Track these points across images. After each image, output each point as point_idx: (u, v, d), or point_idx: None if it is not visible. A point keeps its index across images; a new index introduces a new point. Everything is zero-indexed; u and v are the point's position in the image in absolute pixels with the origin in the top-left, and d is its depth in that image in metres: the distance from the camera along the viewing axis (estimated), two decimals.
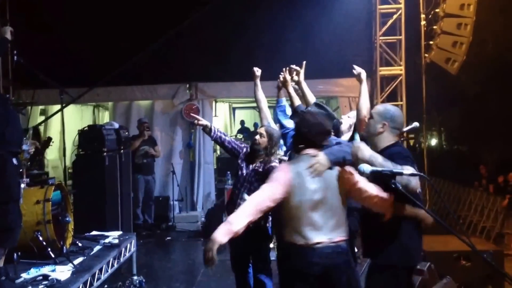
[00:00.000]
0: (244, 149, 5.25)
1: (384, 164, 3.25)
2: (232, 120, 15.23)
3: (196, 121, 5.47)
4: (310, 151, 3.55)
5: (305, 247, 3.44)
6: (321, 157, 3.48)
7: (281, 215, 3.54)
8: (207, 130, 5.38)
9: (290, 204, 3.46)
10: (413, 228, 3.58)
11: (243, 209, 3.41)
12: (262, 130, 5.07)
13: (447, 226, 3.07)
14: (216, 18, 9.64)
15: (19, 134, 4.55)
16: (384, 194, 3.42)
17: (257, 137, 5.05)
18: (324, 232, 3.45)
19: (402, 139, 6.34)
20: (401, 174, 3.17)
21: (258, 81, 5.39)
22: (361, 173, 3.10)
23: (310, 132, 3.55)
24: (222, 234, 3.27)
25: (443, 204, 11.50)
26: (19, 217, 4.37)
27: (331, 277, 3.47)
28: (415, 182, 3.27)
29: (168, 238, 9.63)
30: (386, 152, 3.51)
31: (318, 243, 3.43)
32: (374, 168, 3.13)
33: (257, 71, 5.40)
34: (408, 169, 3.21)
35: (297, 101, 4.76)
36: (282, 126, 4.92)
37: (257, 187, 4.89)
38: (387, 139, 3.66)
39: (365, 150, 3.36)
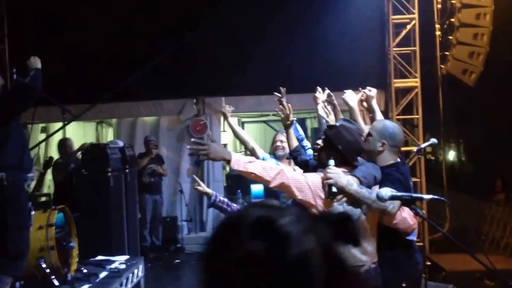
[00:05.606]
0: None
1: (359, 191, 3.23)
2: None
3: (196, 185, 4.44)
4: (341, 168, 3.32)
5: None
6: (348, 176, 3.28)
7: None
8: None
9: None
10: (403, 247, 3.66)
11: (273, 167, 3.30)
12: None
13: (463, 246, 3.10)
14: (223, 31, 9.41)
15: (31, 161, 4.53)
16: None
17: None
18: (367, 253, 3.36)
19: (420, 155, 6.01)
20: (421, 199, 3.18)
21: (230, 120, 4.99)
22: (380, 198, 2.98)
23: (346, 148, 3.33)
24: (238, 159, 3.17)
25: (463, 223, 11.14)
26: (28, 245, 4.34)
27: None
28: (391, 208, 3.28)
29: (177, 261, 9.29)
30: (383, 172, 3.55)
31: (363, 265, 3.30)
32: (393, 193, 3.02)
33: (229, 107, 4.93)
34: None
35: (295, 142, 4.41)
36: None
37: None
38: (386, 158, 3.62)
39: (342, 177, 3.21)
